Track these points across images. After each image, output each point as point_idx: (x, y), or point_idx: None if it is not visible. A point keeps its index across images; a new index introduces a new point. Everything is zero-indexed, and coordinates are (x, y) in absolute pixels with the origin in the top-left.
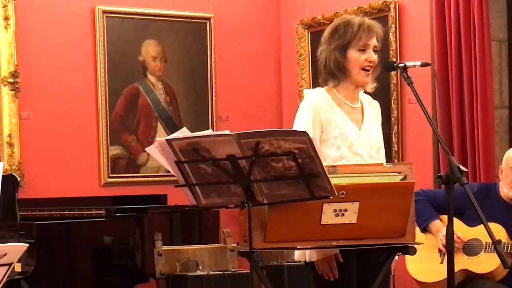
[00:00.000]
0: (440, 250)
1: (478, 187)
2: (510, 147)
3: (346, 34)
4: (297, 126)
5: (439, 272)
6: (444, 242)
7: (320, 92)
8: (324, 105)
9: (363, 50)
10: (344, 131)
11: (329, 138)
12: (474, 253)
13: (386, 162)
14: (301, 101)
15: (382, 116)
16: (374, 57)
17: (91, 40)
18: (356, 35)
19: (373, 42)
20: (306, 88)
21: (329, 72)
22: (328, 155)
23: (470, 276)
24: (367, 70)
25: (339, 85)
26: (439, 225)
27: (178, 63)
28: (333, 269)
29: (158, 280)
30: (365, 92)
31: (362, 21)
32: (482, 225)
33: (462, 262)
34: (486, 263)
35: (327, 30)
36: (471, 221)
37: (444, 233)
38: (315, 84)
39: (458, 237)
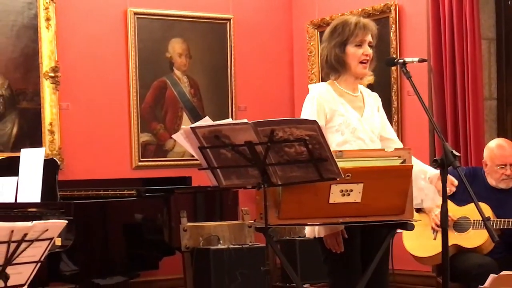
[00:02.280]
0: (432, 228)
1: (467, 171)
2: (498, 134)
3: (344, 32)
4: (303, 116)
5: (433, 248)
6: (436, 221)
7: (323, 86)
8: (327, 97)
9: (359, 45)
10: (347, 118)
11: (334, 125)
12: (463, 230)
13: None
14: None
15: (383, 107)
16: (370, 51)
17: (123, 39)
18: (353, 33)
19: (369, 38)
20: (315, 81)
21: (331, 66)
22: (333, 141)
23: (460, 250)
24: (364, 63)
25: (339, 78)
26: None
27: (201, 59)
28: (340, 244)
29: (184, 253)
30: (368, 86)
31: (358, 20)
32: (470, 205)
33: (452, 238)
34: (474, 238)
35: (327, 30)
36: (460, 202)
37: (436, 212)
38: (324, 75)
39: (449, 216)
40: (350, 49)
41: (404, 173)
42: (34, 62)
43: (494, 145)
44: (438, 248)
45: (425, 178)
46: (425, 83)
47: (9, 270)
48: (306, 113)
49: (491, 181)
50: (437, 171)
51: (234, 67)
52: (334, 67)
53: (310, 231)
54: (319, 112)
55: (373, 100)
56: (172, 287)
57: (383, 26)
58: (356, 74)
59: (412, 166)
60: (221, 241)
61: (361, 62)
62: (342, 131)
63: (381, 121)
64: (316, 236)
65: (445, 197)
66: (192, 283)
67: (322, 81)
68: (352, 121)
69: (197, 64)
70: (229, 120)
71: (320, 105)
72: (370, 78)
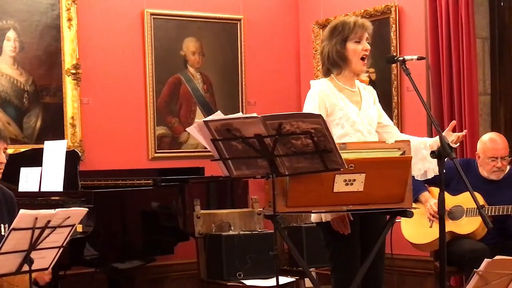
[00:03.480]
0: (429, 217)
1: (461, 162)
2: (491, 128)
3: (344, 30)
4: (306, 110)
5: (429, 235)
6: (432, 210)
7: (324, 82)
8: (328, 92)
9: (358, 41)
10: (347, 112)
11: (335, 119)
12: (457, 218)
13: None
14: None
15: (384, 102)
16: (368, 46)
17: (140, 38)
18: (353, 30)
19: (366, 35)
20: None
21: (332, 63)
22: (334, 134)
23: (454, 237)
24: (363, 59)
25: (340, 74)
26: (427, 196)
27: (214, 57)
28: (346, 225)
29: (197, 239)
30: (370, 82)
31: (356, 19)
32: (464, 194)
33: (447, 225)
34: (467, 225)
35: (327, 30)
36: (455, 191)
37: (432, 203)
38: (325, 72)
39: None
40: (350, 45)
41: (403, 164)
42: (57, 60)
43: (487, 139)
44: (434, 235)
45: (425, 147)
46: (423, 80)
47: (33, 254)
48: (309, 108)
49: (483, 172)
50: (436, 138)
51: (244, 64)
52: (336, 63)
53: (316, 218)
54: (320, 106)
55: (369, 93)
56: (186, 270)
57: (383, 26)
58: (356, 70)
59: (411, 157)
60: (232, 228)
61: (361, 58)
62: (342, 125)
63: (377, 111)
64: (323, 221)
65: (442, 186)
66: (205, 267)
67: (323, 76)
68: (351, 114)
69: (210, 62)
70: (240, 114)
71: (322, 100)
72: (365, 75)
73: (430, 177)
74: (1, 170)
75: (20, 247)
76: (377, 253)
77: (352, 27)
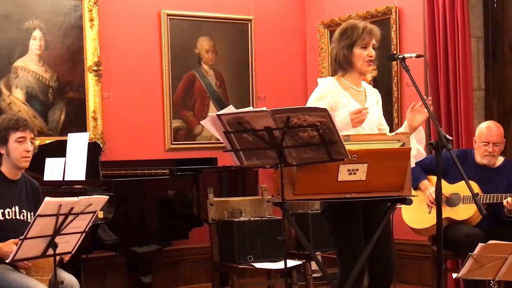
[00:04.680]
0: (427, 204)
1: (458, 153)
2: (485, 121)
3: (353, 35)
4: (309, 103)
5: (428, 220)
6: (431, 198)
7: (330, 80)
8: (333, 89)
9: (365, 47)
10: (350, 109)
11: (338, 115)
12: (454, 205)
13: (389, 132)
14: None
15: (385, 97)
16: (373, 53)
17: (157, 37)
18: (361, 36)
19: (373, 41)
20: (325, 75)
21: (339, 65)
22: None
23: (451, 222)
24: (368, 62)
25: (346, 74)
26: (427, 184)
27: (226, 55)
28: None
29: (210, 225)
30: (372, 83)
31: (365, 25)
32: (460, 183)
33: (445, 212)
34: (464, 212)
35: (337, 31)
36: (452, 180)
37: (431, 190)
38: (333, 71)
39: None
40: (357, 50)
41: (403, 155)
42: (79, 57)
43: (484, 126)
44: (432, 221)
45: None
46: (421, 76)
47: (57, 239)
48: (311, 101)
49: (480, 161)
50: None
51: (255, 61)
52: (342, 65)
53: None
54: (323, 102)
55: (373, 95)
56: (200, 254)
57: (384, 26)
58: (361, 71)
59: (410, 148)
60: (243, 214)
61: (365, 62)
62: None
63: (379, 113)
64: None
65: (439, 175)
66: (218, 251)
67: (331, 75)
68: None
69: (222, 59)
70: (250, 108)
71: (325, 96)
72: (371, 75)
73: (421, 158)
74: (29, 158)
75: (45, 232)
76: (384, 241)
77: (360, 33)
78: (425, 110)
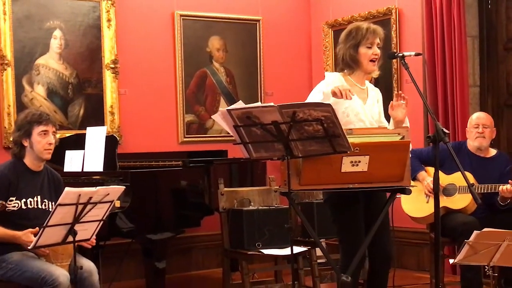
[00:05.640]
0: (425, 194)
1: (454, 145)
2: None
3: (358, 36)
4: (310, 96)
5: (426, 209)
6: (429, 187)
7: (336, 75)
8: (338, 83)
9: (369, 47)
10: (352, 103)
11: (341, 108)
12: (451, 194)
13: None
14: None
15: (385, 93)
16: (378, 51)
17: (171, 36)
18: (365, 36)
19: (377, 40)
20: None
21: (346, 64)
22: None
23: (448, 211)
24: (373, 61)
25: (353, 73)
26: (424, 175)
27: (236, 53)
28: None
29: (221, 213)
30: (373, 80)
31: (368, 25)
32: (457, 173)
33: (442, 201)
34: (459, 201)
35: (343, 33)
36: (448, 171)
37: (428, 181)
38: (336, 69)
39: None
40: (362, 50)
41: (403, 147)
42: (97, 56)
43: (474, 114)
44: (430, 210)
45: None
46: (420, 73)
47: (77, 227)
48: (314, 95)
49: (472, 146)
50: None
51: (263, 59)
52: (349, 64)
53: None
54: (326, 96)
55: (375, 93)
56: (211, 241)
57: (385, 26)
58: (367, 70)
59: (409, 141)
60: (252, 203)
61: (371, 61)
62: (347, 113)
63: (379, 111)
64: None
65: (436, 167)
66: (228, 238)
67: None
68: (356, 106)
69: (232, 57)
70: (258, 104)
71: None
72: (377, 73)
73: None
74: (51, 151)
75: (65, 220)
76: (383, 229)
77: (364, 34)
78: (404, 104)
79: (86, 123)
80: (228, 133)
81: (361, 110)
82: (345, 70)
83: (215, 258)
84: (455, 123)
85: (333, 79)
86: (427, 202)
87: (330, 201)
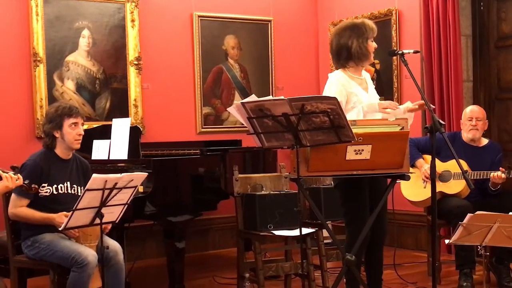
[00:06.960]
0: (423, 179)
1: (449, 135)
2: None
3: (367, 31)
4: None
5: (423, 194)
6: (426, 174)
7: (339, 73)
8: (344, 82)
9: (372, 41)
10: (360, 97)
11: (350, 102)
12: (446, 180)
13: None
14: None
15: (386, 87)
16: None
17: (190, 35)
18: (372, 31)
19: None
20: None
21: (357, 57)
22: (352, 116)
23: (444, 196)
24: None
25: (353, 67)
26: (422, 162)
27: (249, 51)
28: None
29: (236, 197)
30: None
31: (369, 21)
32: (452, 161)
33: (438, 186)
34: (454, 186)
35: (345, 29)
36: (444, 158)
37: (426, 167)
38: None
39: None
40: (370, 43)
41: (402, 137)
42: (122, 53)
43: (468, 108)
44: (427, 194)
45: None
46: (418, 69)
47: (104, 210)
48: (331, 93)
49: (466, 137)
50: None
51: (274, 56)
52: (359, 57)
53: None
54: (341, 93)
55: (369, 77)
56: (227, 223)
57: (386, 26)
58: (371, 61)
59: (408, 131)
60: (264, 188)
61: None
62: (356, 107)
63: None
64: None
65: (433, 155)
66: (242, 220)
67: (335, 68)
68: (363, 98)
69: (246, 55)
70: (270, 97)
71: (341, 87)
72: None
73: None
74: (80, 141)
75: (92, 204)
76: (382, 210)
77: (369, 29)
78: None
79: (112, 115)
80: (242, 124)
81: (366, 100)
82: (346, 66)
83: (230, 238)
84: (450, 115)
85: (338, 78)
86: (425, 187)
87: (340, 186)
